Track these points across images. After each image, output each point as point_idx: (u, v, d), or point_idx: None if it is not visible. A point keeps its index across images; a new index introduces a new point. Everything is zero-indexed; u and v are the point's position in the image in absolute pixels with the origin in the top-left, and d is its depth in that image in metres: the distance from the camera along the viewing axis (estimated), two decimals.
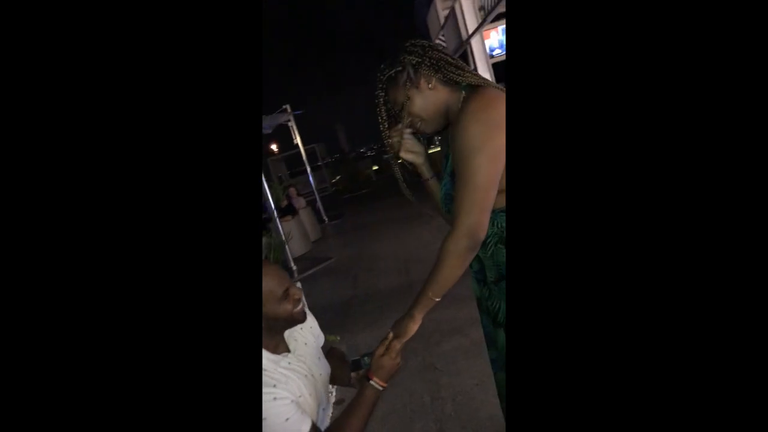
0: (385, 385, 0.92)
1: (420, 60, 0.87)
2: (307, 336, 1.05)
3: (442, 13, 5.81)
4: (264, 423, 0.81)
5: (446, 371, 1.96)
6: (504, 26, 6.22)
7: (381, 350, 0.93)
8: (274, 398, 0.83)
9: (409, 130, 0.97)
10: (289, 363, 0.94)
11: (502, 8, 3.57)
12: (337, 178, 14.59)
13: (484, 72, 4.62)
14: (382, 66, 0.91)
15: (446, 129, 0.95)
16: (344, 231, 6.59)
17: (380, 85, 0.91)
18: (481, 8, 4.55)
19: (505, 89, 0.86)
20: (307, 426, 0.84)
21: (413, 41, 0.90)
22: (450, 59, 0.88)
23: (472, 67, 4.72)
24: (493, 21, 3.91)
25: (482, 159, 0.79)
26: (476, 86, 0.87)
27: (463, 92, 0.88)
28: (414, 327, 0.90)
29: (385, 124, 0.94)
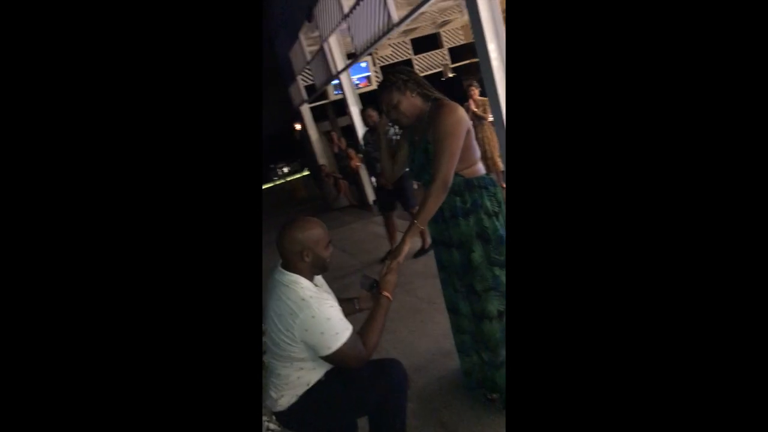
0: (391, 297, 1.36)
1: (408, 78, 1.41)
2: (320, 279, 1.44)
3: (308, 50, 6.43)
4: (328, 323, 1.17)
5: None
6: (363, 62, 7.15)
7: (384, 271, 1.37)
8: (331, 306, 1.21)
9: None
10: (325, 292, 1.32)
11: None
12: None
13: (353, 102, 5.33)
14: (383, 79, 1.44)
15: (412, 126, 1.49)
16: None
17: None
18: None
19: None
20: (351, 326, 1.23)
21: (402, 68, 1.45)
22: (425, 82, 1.43)
23: (343, 97, 5.43)
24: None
25: (453, 139, 1.35)
26: (440, 99, 1.43)
27: (430, 103, 1.44)
28: (406, 249, 1.38)
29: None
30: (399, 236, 3.66)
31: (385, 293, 1.33)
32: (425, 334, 2.28)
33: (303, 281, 1.24)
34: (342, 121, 11.27)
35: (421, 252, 3.55)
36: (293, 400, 1.24)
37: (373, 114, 3.51)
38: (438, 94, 1.46)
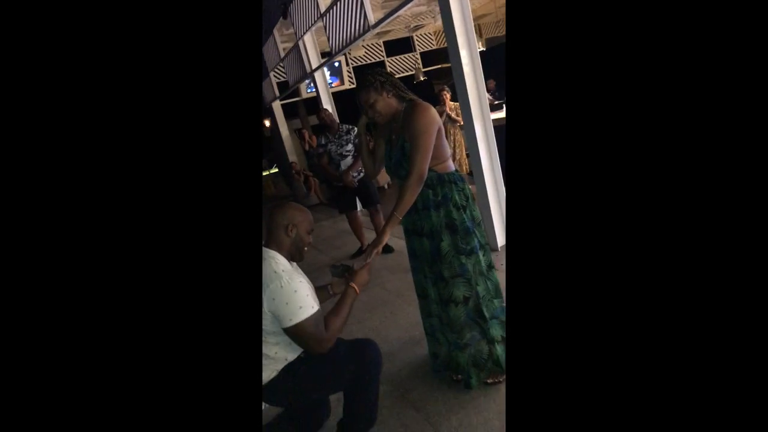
0: (359, 291, 1.43)
1: (385, 80, 1.51)
2: (295, 265, 1.51)
3: (281, 46, 6.43)
4: (295, 294, 1.25)
5: (353, 322, 2.51)
6: (336, 62, 7.21)
7: (359, 265, 1.47)
8: (301, 281, 1.29)
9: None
10: (299, 274, 1.40)
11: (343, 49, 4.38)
12: None
13: (326, 100, 5.39)
14: (362, 80, 1.53)
15: (390, 125, 1.59)
16: None
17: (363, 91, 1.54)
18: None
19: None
20: (318, 305, 1.31)
21: (380, 70, 1.56)
22: (401, 84, 1.54)
23: (316, 95, 5.49)
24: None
25: (426, 137, 1.46)
26: (414, 100, 1.54)
27: (404, 104, 1.55)
28: (385, 238, 1.49)
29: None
30: (365, 232, 3.79)
31: (353, 285, 1.42)
32: (394, 324, 2.39)
33: (279, 257, 1.32)
34: (313, 120, 11.25)
35: (359, 252, 3.75)
36: (273, 375, 1.31)
37: (330, 113, 3.57)
38: (412, 96, 1.57)
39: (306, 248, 1.42)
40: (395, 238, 3.86)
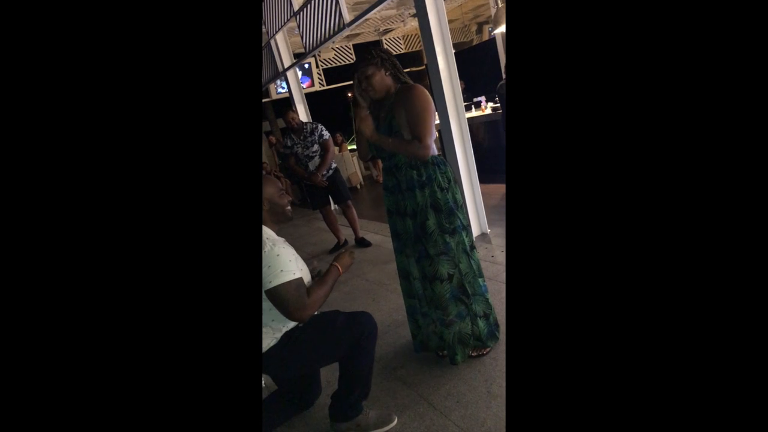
0: (342, 271, 1.48)
1: (386, 58, 1.61)
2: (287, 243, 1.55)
3: None
4: (277, 258, 1.28)
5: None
6: (306, 63, 7.23)
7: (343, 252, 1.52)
8: (285, 248, 1.33)
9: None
10: (287, 244, 1.42)
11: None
12: None
13: (299, 100, 5.41)
14: (364, 53, 1.62)
15: (380, 103, 1.67)
16: None
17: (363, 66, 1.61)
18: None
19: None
20: (299, 274, 1.32)
21: (383, 49, 1.64)
22: (400, 66, 1.63)
23: (288, 95, 5.49)
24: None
25: (429, 113, 1.56)
26: (408, 83, 1.63)
27: (399, 85, 1.63)
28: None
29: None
30: (340, 227, 3.85)
31: (336, 264, 1.47)
32: (378, 309, 2.44)
33: (266, 228, 1.37)
34: (282, 123, 11.17)
35: (336, 247, 3.81)
36: (272, 342, 1.34)
37: (295, 116, 3.61)
38: (408, 79, 1.66)
39: (288, 207, 1.44)
40: (372, 233, 3.94)
